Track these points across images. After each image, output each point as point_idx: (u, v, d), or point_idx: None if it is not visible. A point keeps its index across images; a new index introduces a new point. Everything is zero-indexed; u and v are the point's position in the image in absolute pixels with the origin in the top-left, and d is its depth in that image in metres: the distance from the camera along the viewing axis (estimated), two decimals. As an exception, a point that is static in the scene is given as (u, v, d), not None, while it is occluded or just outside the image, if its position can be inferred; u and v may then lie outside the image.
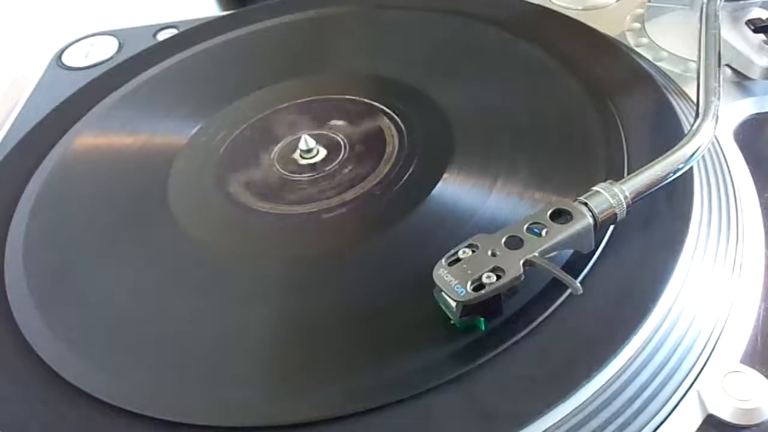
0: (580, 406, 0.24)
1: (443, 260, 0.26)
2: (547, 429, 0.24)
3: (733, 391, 0.25)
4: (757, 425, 0.25)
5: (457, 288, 0.25)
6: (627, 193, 0.27)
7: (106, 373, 0.28)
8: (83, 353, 0.29)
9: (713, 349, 0.27)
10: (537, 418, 0.24)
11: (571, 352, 0.26)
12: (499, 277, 0.25)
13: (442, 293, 0.25)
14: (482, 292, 0.25)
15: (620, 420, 0.25)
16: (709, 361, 0.27)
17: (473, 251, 0.26)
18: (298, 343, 0.28)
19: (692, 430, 0.25)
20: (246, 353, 0.28)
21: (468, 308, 0.25)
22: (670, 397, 0.26)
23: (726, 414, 0.25)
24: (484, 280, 0.25)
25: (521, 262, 0.25)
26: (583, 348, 0.26)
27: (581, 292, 0.25)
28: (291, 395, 0.26)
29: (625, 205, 0.27)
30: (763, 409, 0.25)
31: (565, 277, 0.25)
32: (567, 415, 0.24)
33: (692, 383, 0.26)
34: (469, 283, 0.25)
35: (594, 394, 0.25)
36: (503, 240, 0.26)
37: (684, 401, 0.26)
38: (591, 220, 0.27)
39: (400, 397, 0.25)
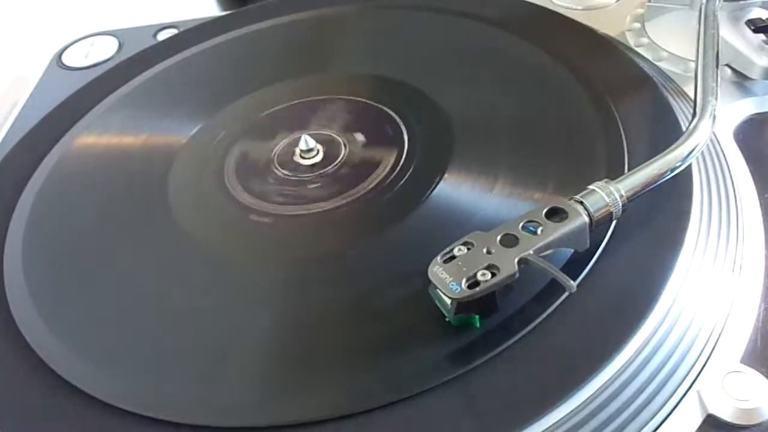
0: (579, 406, 0.24)
1: (438, 257, 0.26)
2: (546, 429, 0.24)
3: (733, 391, 0.25)
4: (757, 425, 0.25)
5: (452, 285, 0.25)
6: (623, 192, 0.27)
7: (106, 373, 0.28)
8: (83, 353, 0.29)
9: (713, 349, 0.27)
10: (536, 418, 0.24)
11: (571, 352, 0.26)
12: (494, 275, 0.25)
13: (437, 290, 0.25)
14: (477, 289, 0.25)
15: (620, 420, 0.25)
16: (709, 361, 0.27)
17: (468, 249, 0.26)
18: (297, 343, 0.28)
19: (692, 430, 0.25)
20: (245, 353, 0.28)
21: (463, 305, 0.25)
22: (670, 397, 0.26)
23: (726, 414, 0.25)
24: (479, 277, 0.25)
25: (516, 260, 0.25)
26: (583, 348, 0.26)
27: (575, 290, 0.25)
28: (290, 395, 0.26)
29: (620, 204, 0.27)
30: (763, 409, 0.25)
31: (560, 276, 0.25)
32: (566, 415, 0.24)
33: (692, 383, 0.26)
34: (464, 281, 0.25)
35: (594, 394, 0.25)
36: (498, 238, 0.26)
37: (684, 401, 0.26)
38: (586, 219, 0.27)
39: (399, 398, 0.25)
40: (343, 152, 0.37)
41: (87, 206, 0.37)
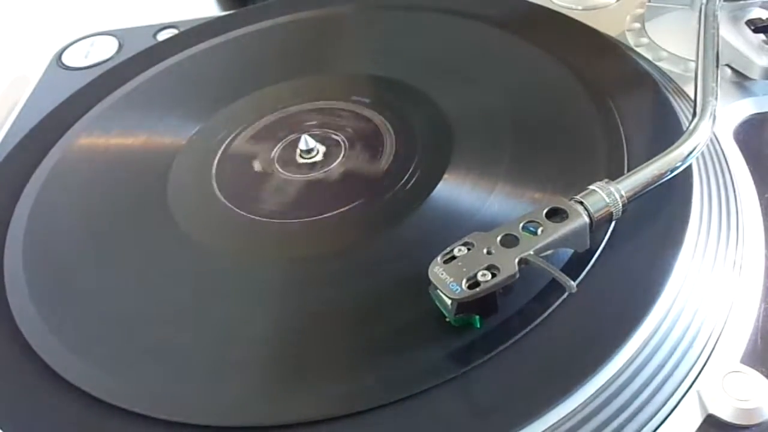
0: (579, 406, 0.24)
1: (439, 258, 0.26)
2: (546, 429, 0.24)
3: (733, 391, 0.25)
4: (757, 425, 0.25)
5: (453, 286, 0.25)
6: (623, 192, 0.27)
7: (106, 373, 0.28)
8: (83, 353, 0.29)
9: (713, 349, 0.27)
10: (536, 417, 0.24)
11: (571, 352, 0.26)
12: (494, 275, 0.25)
13: (438, 291, 0.25)
14: (477, 290, 0.25)
15: (620, 420, 0.25)
16: (709, 361, 0.27)
17: (469, 249, 0.26)
18: (297, 343, 0.28)
19: (692, 430, 0.25)
20: (245, 353, 0.28)
21: (463, 306, 0.25)
22: (670, 397, 0.25)
23: (726, 414, 0.25)
24: (479, 278, 0.25)
25: (516, 260, 0.25)
26: (583, 348, 0.26)
27: (575, 290, 0.25)
28: (290, 395, 0.26)
29: (620, 204, 0.27)
30: (763, 409, 0.25)
31: (560, 276, 0.25)
32: (567, 414, 0.24)
33: (692, 383, 0.26)
34: (464, 281, 0.25)
35: (594, 394, 0.25)
36: (499, 238, 0.26)
37: (684, 401, 0.26)
38: (587, 219, 0.27)
39: (399, 397, 0.25)
40: (342, 152, 0.37)
41: (87, 206, 0.37)
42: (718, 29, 0.36)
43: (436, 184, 0.33)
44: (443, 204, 0.32)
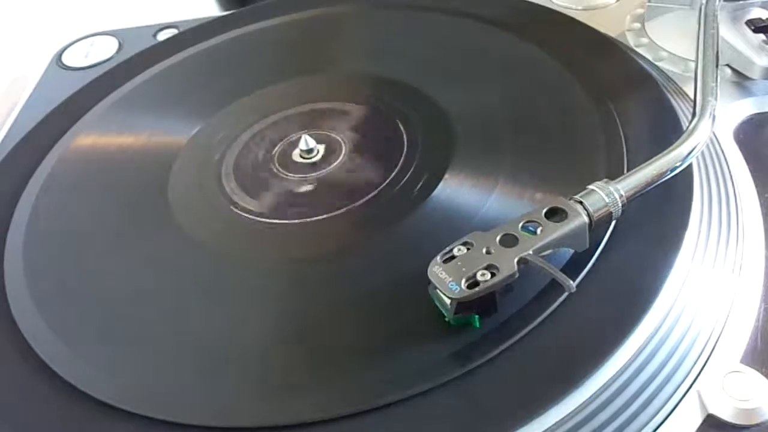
0: (579, 406, 0.24)
1: (438, 257, 0.26)
2: (546, 429, 0.24)
3: (733, 391, 0.25)
4: (757, 425, 0.25)
5: (452, 285, 0.25)
6: (622, 192, 0.27)
7: (106, 373, 0.28)
8: (83, 353, 0.29)
9: (713, 349, 0.27)
10: (536, 418, 0.24)
11: (571, 352, 0.25)
12: (493, 275, 0.25)
13: (437, 290, 0.25)
14: (476, 289, 0.25)
15: (620, 420, 0.25)
16: (709, 361, 0.27)
17: (468, 249, 0.26)
18: (297, 344, 0.28)
19: (692, 430, 0.25)
20: (245, 353, 0.28)
21: (462, 305, 0.25)
22: (670, 397, 0.25)
23: (726, 414, 0.25)
24: (479, 277, 0.25)
25: (516, 260, 0.25)
26: (583, 348, 0.25)
27: (574, 290, 0.25)
28: (289, 395, 0.26)
29: (620, 204, 0.27)
30: (763, 409, 0.25)
31: (559, 276, 0.25)
32: (566, 415, 0.24)
33: (692, 383, 0.26)
34: (463, 281, 0.25)
35: (593, 394, 0.25)
36: (498, 238, 0.26)
37: (684, 401, 0.26)
38: (586, 219, 0.27)
39: (398, 398, 0.25)
40: (343, 152, 0.37)
41: (87, 206, 0.37)
42: (718, 29, 0.36)
43: (437, 184, 0.33)
44: (443, 204, 0.32)
